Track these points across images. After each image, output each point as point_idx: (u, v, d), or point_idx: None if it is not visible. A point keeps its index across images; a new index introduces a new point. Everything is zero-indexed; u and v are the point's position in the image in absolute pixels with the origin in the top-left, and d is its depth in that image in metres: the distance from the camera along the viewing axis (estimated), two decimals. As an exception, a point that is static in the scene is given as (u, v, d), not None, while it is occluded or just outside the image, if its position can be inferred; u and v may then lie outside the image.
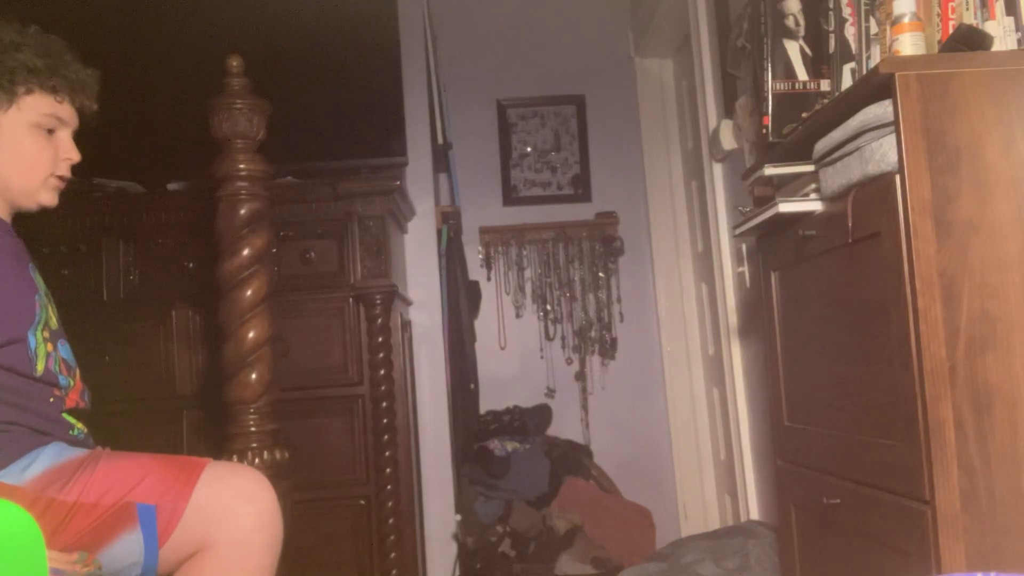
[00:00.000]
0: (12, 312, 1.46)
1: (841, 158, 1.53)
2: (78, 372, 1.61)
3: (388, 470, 2.69)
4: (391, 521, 2.69)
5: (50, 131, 1.55)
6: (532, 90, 4.04)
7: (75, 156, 1.59)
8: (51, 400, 1.50)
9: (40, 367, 1.49)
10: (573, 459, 3.59)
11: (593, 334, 3.94)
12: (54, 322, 1.58)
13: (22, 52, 1.49)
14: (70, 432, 1.53)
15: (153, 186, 2.86)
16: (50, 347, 1.54)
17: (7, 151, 1.50)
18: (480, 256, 3.97)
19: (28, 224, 2.71)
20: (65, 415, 1.53)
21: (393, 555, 2.68)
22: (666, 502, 3.81)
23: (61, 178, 1.59)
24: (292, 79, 2.86)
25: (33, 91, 1.50)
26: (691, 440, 3.86)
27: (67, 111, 1.56)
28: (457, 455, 3.36)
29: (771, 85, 1.93)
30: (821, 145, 1.60)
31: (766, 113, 1.94)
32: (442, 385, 3.32)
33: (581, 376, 3.94)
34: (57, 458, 1.43)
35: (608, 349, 3.93)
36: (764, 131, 1.95)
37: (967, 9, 1.50)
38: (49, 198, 1.58)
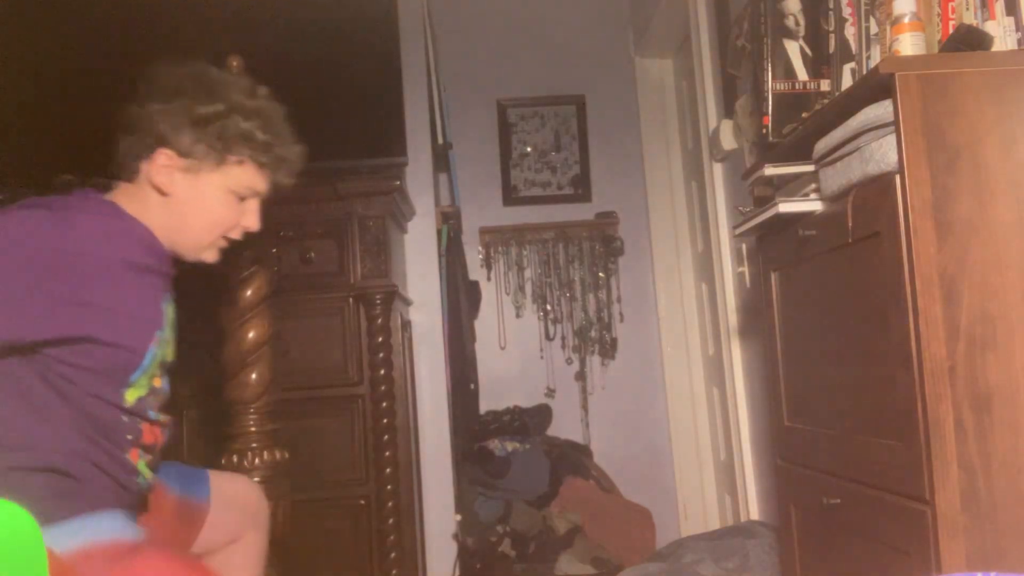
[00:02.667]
0: (127, 336, 1.40)
1: (841, 158, 1.53)
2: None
3: (388, 470, 2.69)
4: (391, 521, 2.68)
5: (241, 198, 1.52)
6: (532, 90, 4.04)
7: (256, 226, 1.55)
8: (129, 437, 1.44)
9: (132, 397, 1.43)
10: (573, 459, 3.59)
11: (593, 334, 3.94)
12: (170, 355, 1.54)
13: (249, 121, 1.47)
14: (136, 479, 1.46)
15: (153, 186, 2.86)
16: (157, 381, 1.49)
17: (196, 206, 1.48)
18: (480, 256, 3.97)
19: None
20: (139, 456, 1.47)
21: (393, 555, 2.68)
22: (666, 502, 3.81)
23: (228, 239, 1.55)
24: (292, 79, 2.85)
25: (244, 162, 1.48)
26: (691, 440, 3.86)
27: (265, 184, 1.53)
28: (457, 455, 3.36)
29: (771, 85, 1.93)
30: (821, 145, 1.59)
31: (766, 113, 1.94)
32: (442, 385, 3.32)
33: (581, 376, 3.94)
34: (108, 534, 1.35)
35: (608, 349, 3.93)
36: (764, 131, 1.95)
37: (967, 9, 1.50)
38: (211, 256, 1.55)
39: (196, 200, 1.47)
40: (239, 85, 1.52)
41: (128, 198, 1.46)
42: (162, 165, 1.44)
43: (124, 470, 1.43)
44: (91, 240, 1.34)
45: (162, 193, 1.45)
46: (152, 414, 1.49)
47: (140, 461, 1.47)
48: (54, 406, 1.35)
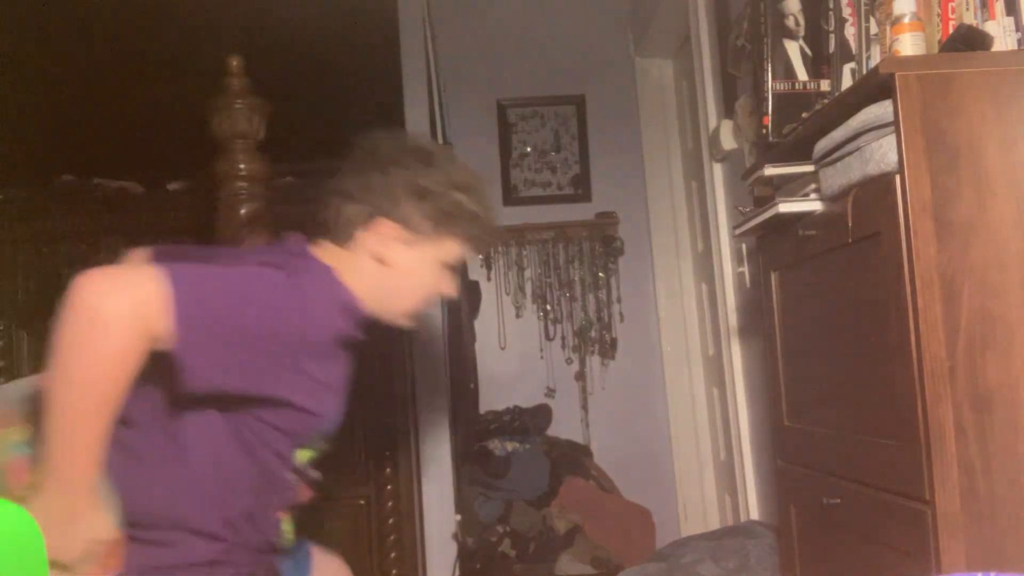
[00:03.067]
0: (323, 405, 1.41)
1: (841, 158, 1.53)
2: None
3: (388, 470, 2.69)
4: (391, 521, 2.69)
5: (448, 268, 1.55)
6: (532, 90, 4.04)
7: (453, 292, 1.58)
8: (288, 495, 1.47)
9: (303, 458, 1.46)
10: (573, 459, 3.59)
11: (593, 334, 3.94)
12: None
13: (463, 194, 1.49)
14: (280, 539, 1.49)
15: (153, 186, 2.86)
16: (325, 444, 1.52)
17: (409, 276, 1.49)
18: (480, 256, 3.97)
19: (28, 223, 2.72)
20: (285, 515, 1.50)
21: (393, 555, 2.68)
22: (666, 502, 3.81)
23: None
24: (292, 79, 2.86)
25: (458, 235, 1.50)
26: (691, 440, 3.86)
27: (471, 254, 1.58)
28: (457, 455, 3.36)
29: (771, 85, 1.93)
30: (821, 145, 1.59)
31: (766, 113, 1.94)
32: (442, 385, 3.32)
33: (581, 376, 3.93)
34: None
35: (608, 349, 3.93)
36: (764, 131, 1.95)
37: (967, 9, 1.49)
38: (408, 321, 1.56)
39: (410, 270, 1.48)
40: (451, 157, 1.55)
41: (340, 262, 1.45)
42: (383, 235, 1.46)
43: (275, 529, 1.46)
44: (317, 313, 1.36)
45: (378, 261, 1.47)
46: (312, 473, 1.51)
47: (285, 520, 1.50)
48: (239, 462, 1.36)
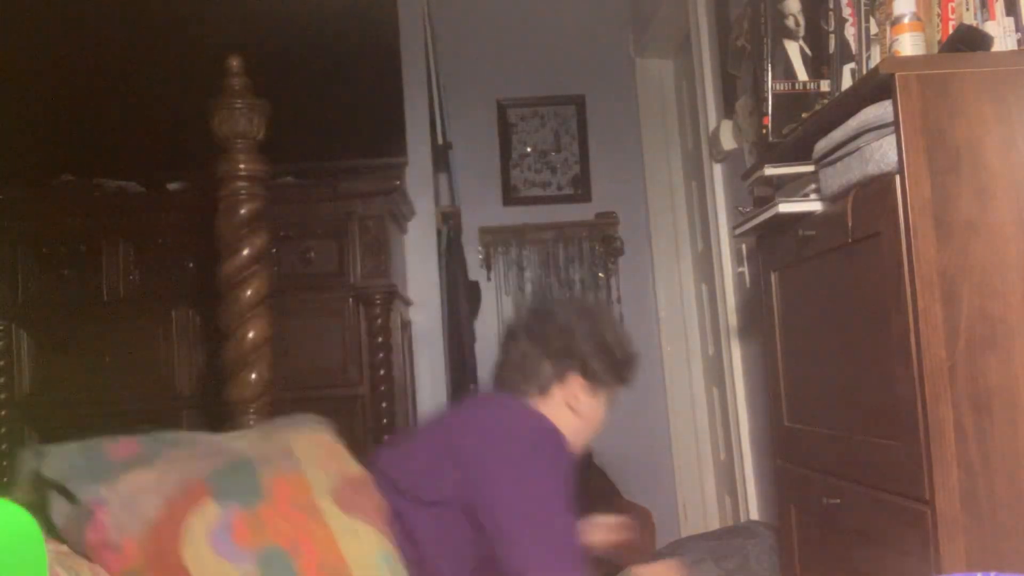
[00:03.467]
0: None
1: (841, 158, 1.53)
2: None
3: (388, 470, 2.69)
4: (391, 521, 2.68)
5: None
6: (532, 90, 4.04)
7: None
8: None
9: None
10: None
11: (593, 334, 3.93)
12: None
13: (628, 347, 1.77)
14: None
15: (153, 186, 2.86)
16: None
17: (593, 419, 1.72)
18: (480, 256, 3.96)
19: (28, 223, 2.72)
20: None
21: (393, 555, 2.68)
22: (666, 502, 3.81)
23: None
24: (292, 79, 2.86)
25: (627, 382, 1.77)
26: (691, 440, 3.86)
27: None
28: (457, 455, 3.35)
29: (771, 85, 1.93)
30: (821, 145, 1.60)
31: (766, 113, 1.94)
32: (442, 385, 3.32)
33: (581, 376, 3.93)
34: None
35: (608, 349, 3.93)
36: (764, 131, 1.95)
37: (967, 9, 1.49)
38: (582, 449, 1.79)
39: (594, 414, 1.72)
40: (607, 309, 1.82)
41: (547, 410, 1.67)
42: (573, 387, 1.68)
43: None
44: (566, 447, 1.61)
45: (570, 409, 1.69)
46: None
47: None
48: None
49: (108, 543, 1.29)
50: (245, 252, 1.85)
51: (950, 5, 1.52)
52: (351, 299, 2.74)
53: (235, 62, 1.90)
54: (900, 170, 1.35)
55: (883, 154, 1.39)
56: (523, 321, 1.76)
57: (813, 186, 1.70)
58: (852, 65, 1.81)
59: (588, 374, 1.68)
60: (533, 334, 1.71)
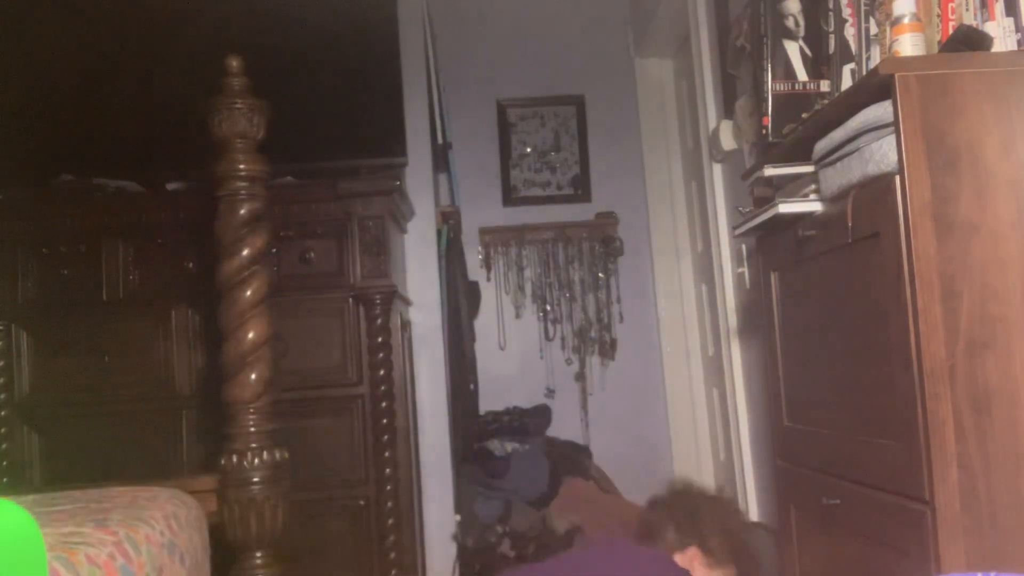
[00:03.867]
0: None
1: (841, 159, 1.53)
2: None
3: (388, 470, 2.69)
4: (391, 521, 2.68)
5: None
6: (532, 90, 4.04)
7: None
8: None
9: None
10: (573, 459, 3.58)
11: (593, 334, 3.94)
12: None
13: (748, 540, 2.04)
14: None
15: (153, 186, 2.86)
16: None
17: None
18: (480, 256, 3.97)
19: (28, 223, 2.71)
20: None
21: (393, 555, 2.68)
22: (666, 502, 3.80)
23: None
24: (292, 79, 2.86)
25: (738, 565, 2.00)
26: (691, 440, 3.86)
27: None
28: (457, 455, 3.36)
29: (771, 85, 1.93)
30: (821, 146, 1.60)
31: (766, 113, 1.94)
32: (442, 385, 3.32)
33: (581, 376, 3.93)
34: None
35: (608, 349, 3.93)
36: (764, 131, 1.95)
37: (967, 9, 1.50)
38: None
39: None
40: (732, 499, 2.13)
41: None
42: (691, 557, 1.93)
43: None
44: None
45: None
46: None
47: None
48: None
49: None
50: (245, 252, 1.84)
51: (950, 5, 1.52)
52: (351, 299, 2.74)
53: (235, 62, 1.89)
54: (900, 170, 1.35)
55: (883, 154, 1.39)
56: (662, 495, 2.07)
57: (813, 186, 1.70)
58: (852, 65, 1.81)
59: (709, 551, 1.94)
60: (667, 507, 2.02)
